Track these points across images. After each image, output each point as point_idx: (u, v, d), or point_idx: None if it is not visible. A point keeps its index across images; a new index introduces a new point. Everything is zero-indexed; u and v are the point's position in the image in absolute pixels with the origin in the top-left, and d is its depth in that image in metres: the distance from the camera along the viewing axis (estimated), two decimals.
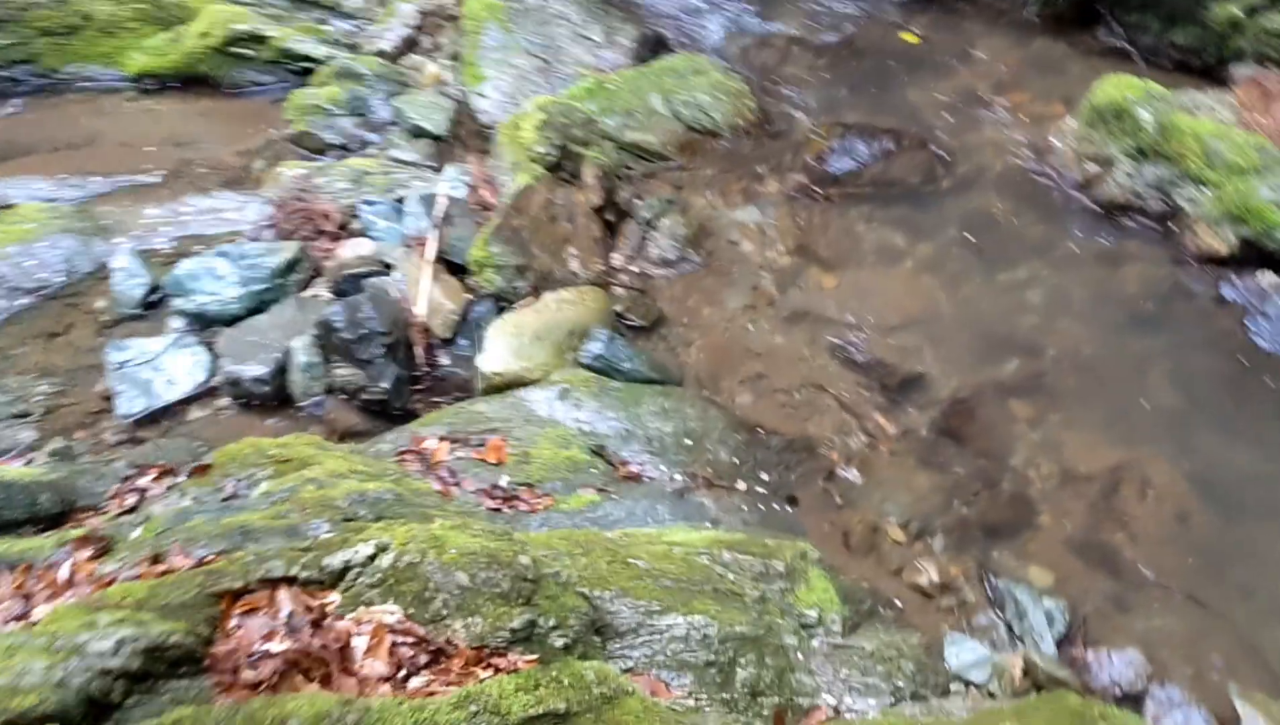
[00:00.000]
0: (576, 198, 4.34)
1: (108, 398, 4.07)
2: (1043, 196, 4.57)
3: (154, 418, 4.02)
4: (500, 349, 3.81)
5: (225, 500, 2.72)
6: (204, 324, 4.14)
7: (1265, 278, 3.96)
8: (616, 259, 4.38)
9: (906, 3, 5.56)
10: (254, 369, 3.94)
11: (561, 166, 4.33)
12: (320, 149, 5.04)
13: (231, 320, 4.13)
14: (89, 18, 5.51)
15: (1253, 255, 4.02)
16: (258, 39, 5.38)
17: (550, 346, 3.86)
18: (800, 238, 4.50)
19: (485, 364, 3.79)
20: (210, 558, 2.19)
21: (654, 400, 3.62)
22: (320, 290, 4.26)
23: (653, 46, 5.38)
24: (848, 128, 4.83)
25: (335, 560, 1.99)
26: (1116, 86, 4.24)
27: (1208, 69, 4.80)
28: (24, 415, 4.04)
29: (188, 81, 5.58)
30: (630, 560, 2.45)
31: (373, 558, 2.00)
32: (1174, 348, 4.02)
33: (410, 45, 5.50)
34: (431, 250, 4.14)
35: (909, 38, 5.28)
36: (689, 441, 3.53)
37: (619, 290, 4.28)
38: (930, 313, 4.24)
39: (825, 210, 4.58)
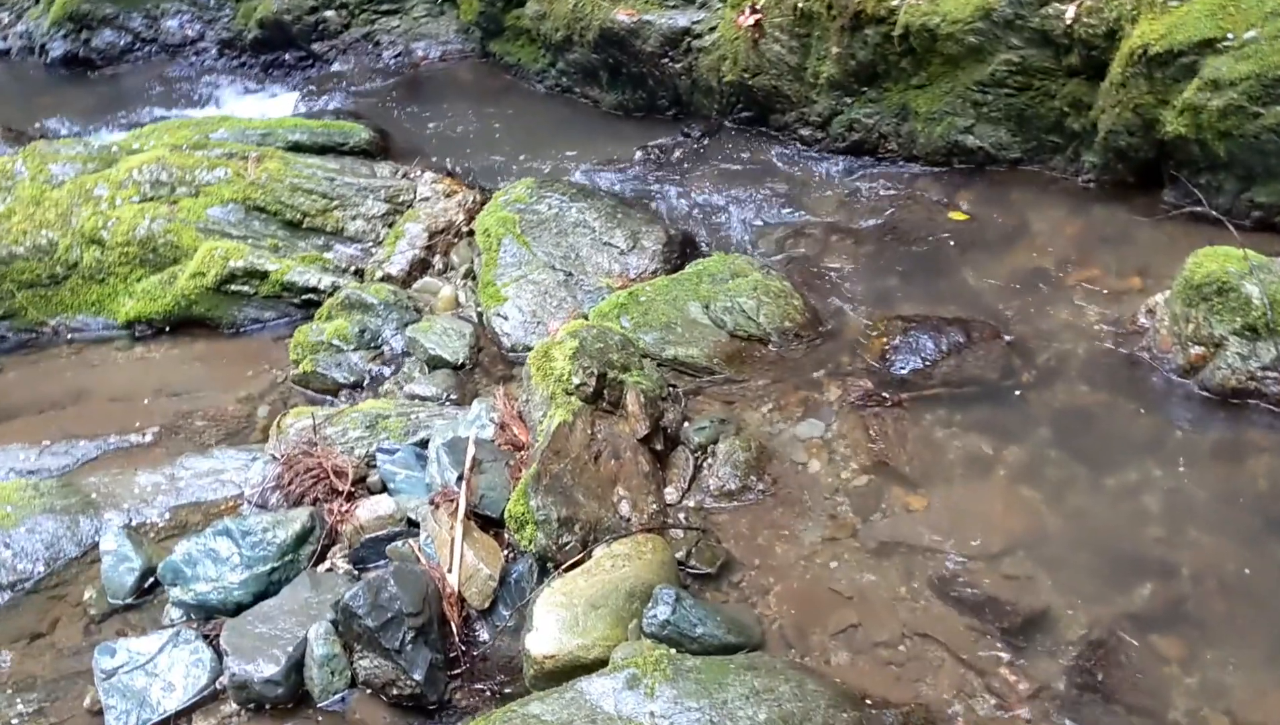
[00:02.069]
0: (620, 429, 3.83)
1: (97, 712, 3.48)
2: (1140, 385, 4.06)
3: None
4: (550, 625, 3.24)
5: None
6: (205, 615, 3.57)
7: None
8: (670, 495, 3.85)
9: (946, 177, 5.18)
10: (264, 668, 3.37)
11: (601, 396, 3.84)
12: (330, 389, 4.59)
13: (236, 609, 3.57)
14: (74, 266, 5.14)
15: None
16: (256, 274, 4.99)
17: (609, 615, 3.29)
18: (874, 452, 3.97)
19: (534, 645, 3.21)
20: None
21: (741, 679, 3.03)
22: (337, 561, 3.73)
23: (681, 249, 4.98)
24: (908, 321, 4.37)
25: None
26: (1214, 259, 3.79)
27: None
28: None
29: (183, 325, 5.19)
30: None
31: None
32: None
33: (422, 268, 5.11)
34: (462, 507, 3.61)
35: (957, 216, 4.87)
36: None
37: (677, 533, 3.72)
38: (1037, 532, 3.68)
39: (898, 418, 4.07)
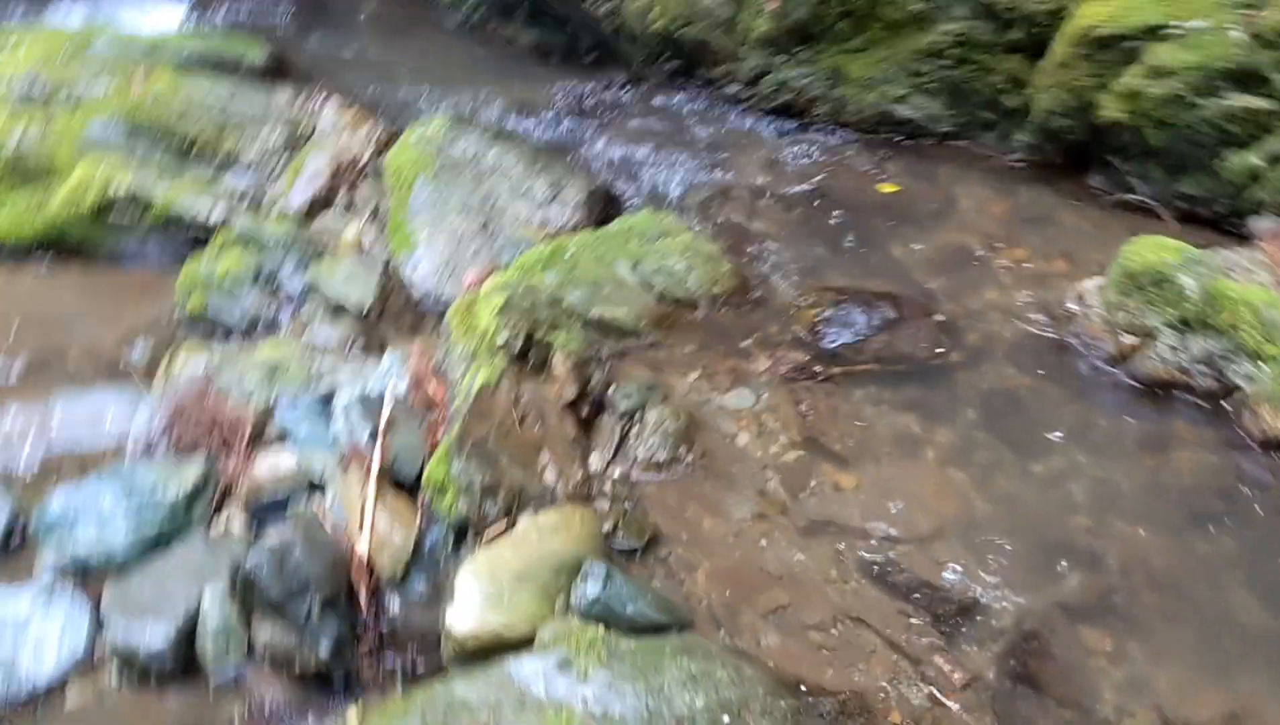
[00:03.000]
0: (545, 392, 3.62)
1: None
2: (1068, 370, 4.04)
3: (19, 705, 3.09)
4: (473, 599, 3.03)
5: None
6: (84, 574, 3.24)
7: None
8: (595, 463, 3.66)
9: (875, 146, 5.07)
10: (151, 636, 3.10)
11: (526, 356, 3.62)
12: (219, 330, 4.23)
13: (120, 568, 3.25)
14: None
15: None
16: (140, 201, 4.56)
17: (535, 590, 3.10)
18: (805, 427, 3.85)
19: (455, 621, 3.00)
20: None
21: (677, 663, 2.89)
22: (233, 520, 3.42)
23: (603, 202, 4.75)
24: (839, 293, 4.26)
25: None
26: (1153, 249, 3.76)
27: (1217, 220, 4.40)
28: None
29: (55, 248, 4.71)
30: None
31: None
32: (1251, 550, 3.48)
33: (324, 204, 4.77)
34: (375, 469, 3.35)
35: (886, 187, 4.77)
36: (727, 718, 2.79)
37: (603, 504, 3.54)
38: (966, 516, 3.62)
39: (829, 393, 3.96)
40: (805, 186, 4.92)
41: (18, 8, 6.65)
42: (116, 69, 5.00)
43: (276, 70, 5.59)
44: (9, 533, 3.48)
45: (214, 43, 5.50)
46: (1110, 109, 4.28)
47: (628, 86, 5.61)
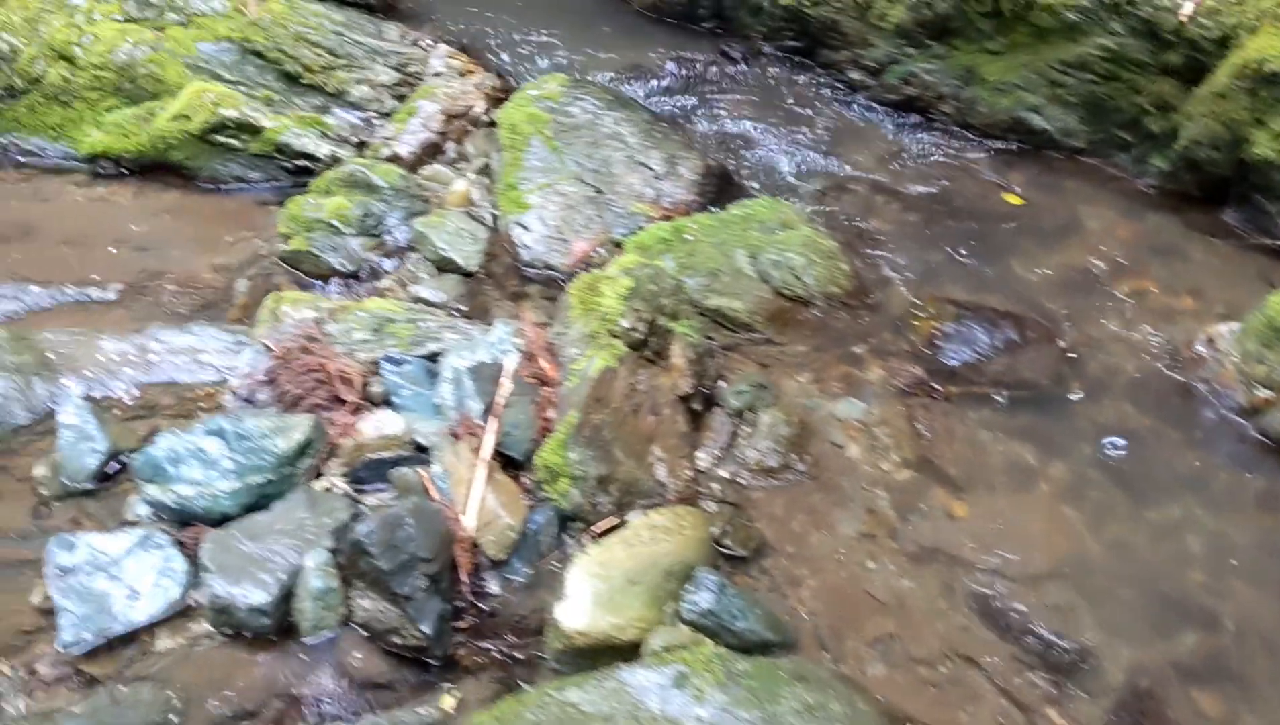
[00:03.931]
0: (661, 382, 3.51)
1: (48, 612, 3.08)
2: (1192, 416, 3.90)
3: (109, 646, 3.03)
4: (585, 598, 2.95)
5: None
6: (181, 520, 3.16)
7: None
8: (703, 460, 3.55)
9: (1000, 153, 4.89)
10: (252, 594, 3.02)
11: (646, 343, 3.50)
12: (321, 274, 4.14)
13: (220, 519, 3.17)
14: (36, 80, 4.52)
15: None
16: (249, 128, 4.44)
17: (646, 594, 3.01)
18: (919, 447, 3.74)
19: (566, 618, 2.91)
20: None
21: (793, 692, 2.80)
22: (335, 479, 3.34)
23: (718, 182, 4.60)
24: (960, 308, 4.12)
25: None
26: None
27: None
28: None
29: (153, 169, 4.60)
30: None
31: None
32: None
33: (432, 153, 4.63)
34: (489, 447, 3.25)
35: (1011, 199, 4.61)
36: None
37: (710, 504, 3.44)
38: (1079, 558, 3.52)
39: (945, 413, 3.84)
40: (925, 187, 4.76)
41: None
42: None
43: (385, 4, 5.41)
44: (104, 463, 3.39)
45: None
46: (1264, 146, 4.10)
47: (744, 60, 5.42)
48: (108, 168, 4.58)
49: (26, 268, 4.21)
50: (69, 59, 4.52)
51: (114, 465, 3.41)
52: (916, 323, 4.10)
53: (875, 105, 5.20)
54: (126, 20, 4.59)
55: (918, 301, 4.20)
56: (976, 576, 3.43)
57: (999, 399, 3.90)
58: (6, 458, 3.48)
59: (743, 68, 5.39)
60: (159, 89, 4.52)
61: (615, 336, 3.45)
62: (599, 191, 4.39)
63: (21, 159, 4.63)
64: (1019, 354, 3.98)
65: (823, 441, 3.73)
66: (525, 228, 4.27)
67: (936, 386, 3.89)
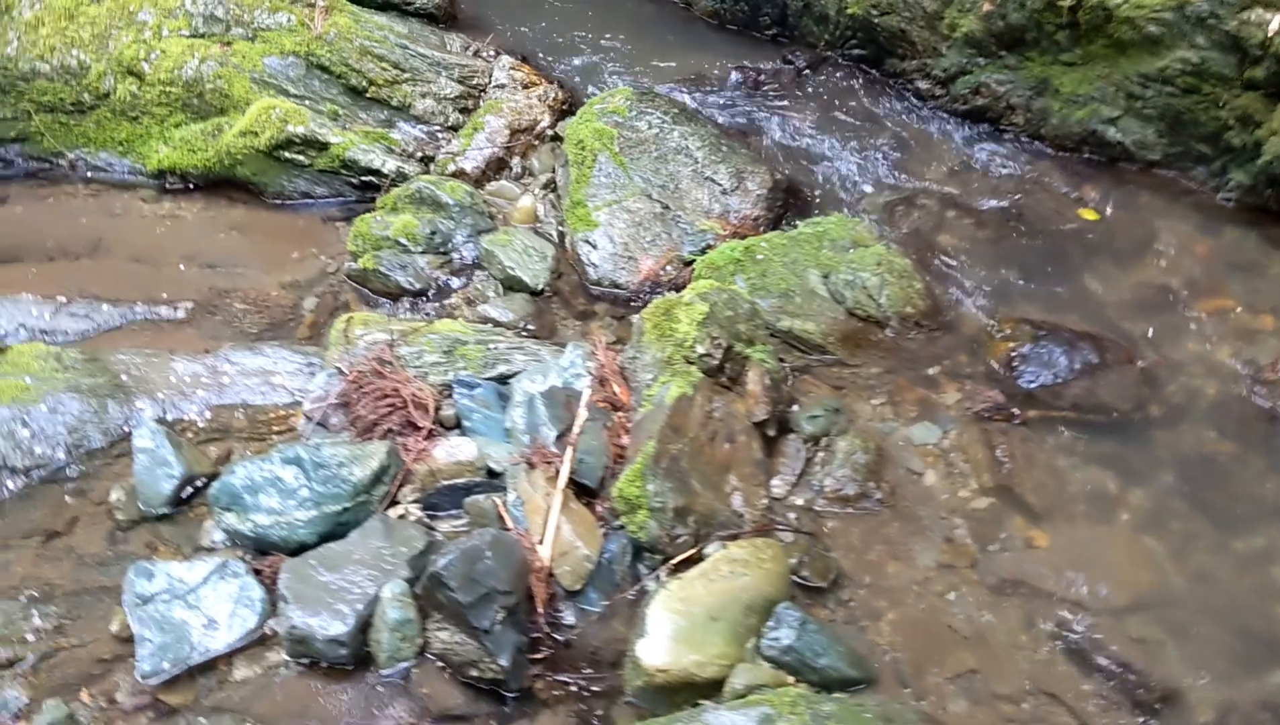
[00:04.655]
0: (736, 408, 3.47)
1: (126, 639, 3.08)
2: (1275, 440, 3.78)
3: (188, 675, 3.03)
4: (665, 633, 2.92)
5: None
6: (258, 548, 3.16)
7: None
8: (777, 488, 3.50)
9: (1072, 166, 4.79)
10: (330, 624, 3.02)
11: (722, 369, 3.46)
12: (389, 292, 4.14)
13: (298, 548, 3.17)
14: (104, 96, 4.54)
15: None
16: (315, 144, 4.43)
17: (727, 630, 2.98)
18: (997, 473, 3.67)
19: (647, 655, 2.89)
20: None
21: None
22: (409, 506, 3.33)
23: (785, 196, 4.54)
24: (1037, 328, 4.04)
25: None
26: None
27: None
28: (11, 663, 3.02)
29: (221, 184, 4.61)
30: None
31: None
32: None
33: (497, 168, 4.60)
34: (565, 476, 3.23)
35: (1087, 213, 4.51)
36: None
37: (787, 535, 3.39)
38: (1163, 590, 3.44)
39: (1023, 438, 3.77)
40: (998, 201, 4.67)
41: None
42: None
43: (446, 14, 5.39)
44: (180, 488, 3.40)
45: None
46: None
47: (808, 69, 5.34)
48: (175, 183, 4.60)
49: (97, 284, 4.24)
50: (137, 74, 4.53)
51: (189, 490, 3.41)
52: (992, 344, 4.03)
53: (944, 115, 5.11)
54: (194, 36, 4.60)
55: (993, 321, 4.13)
56: (1058, 609, 3.36)
57: (1078, 423, 3.81)
58: (83, 482, 3.50)
59: (807, 76, 5.31)
60: (226, 104, 4.53)
61: (690, 362, 3.41)
62: (666, 207, 4.35)
63: (90, 174, 4.66)
64: (1097, 376, 3.90)
65: (899, 468, 3.67)
66: (593, 246, 4.24)
67: (1014, 410, 3.81)
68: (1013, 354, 3.95)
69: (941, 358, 4.03)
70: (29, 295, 4.10)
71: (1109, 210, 4.65)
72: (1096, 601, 3.38)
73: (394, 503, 3.34)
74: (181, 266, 4.31)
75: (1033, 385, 3.87)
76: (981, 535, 3.53)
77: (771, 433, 3.59)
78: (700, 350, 3.41)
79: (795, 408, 3.73)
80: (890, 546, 3.48)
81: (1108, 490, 3.69)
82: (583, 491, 3.38)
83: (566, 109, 4.91)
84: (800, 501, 3.54)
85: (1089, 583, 3.42)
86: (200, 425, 3.62)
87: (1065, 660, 3.24)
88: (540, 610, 3.14)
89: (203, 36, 4.63)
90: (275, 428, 3.59)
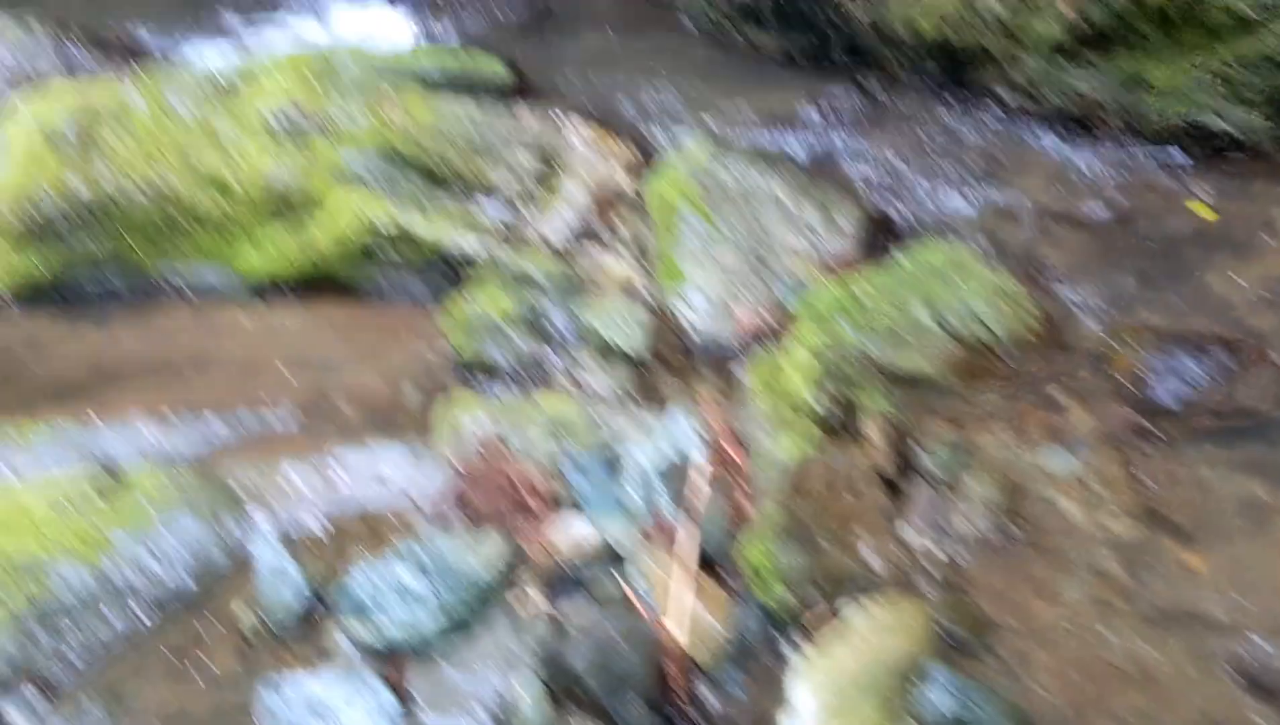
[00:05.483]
0: (857, 459, 3.34)
1: None
2: None
3: None
4: (812, 709, 2.79)
5: None
6: (387, 656, 3.11)
7: None
8: (910, 536, 3.35)
9: (1176, 161, 4.57)
10: None
11: (836, 419, 3.32)
12: (489, 373, 4.07)
13: (425, 650, 3.10)
14: (194, 211, 4.60)
15: None
16: (401, 234, 4.43)
17: (877, 699, 2.83)
18: (1140, 495, 3.47)
19: None
20: None
21: None
22: (532, 595, 3.24)
23: (878, 229, 4.41)
24: (1162, 336, 3.83)
25: None
26: None
27: None
28: None
29: (314, 285, 4.64)
30: None
31: None
32: None
33: (583, 236, 4.55)
34: (693, 553, 3.12)
35: (1202, 211, 4.29)
36: None
37: (924, 585, 3.23)
38: None
39: (1162, 454, 3.56)
40: (1100, 206, 4.48)
41: (236, 22, 6.63)
42: (365, 92, 4.87)
43: (515, 86, 5.39)
44: (303, 600, 3.37)
45: (455, 60, 5.34)
46: None
47: (885, 93, 5.22)
48: (270, 289, 4.64)
49: (201, 396, 4.28)
50: (223, 187, 4.60)
51: (312, 601, 3.38)
52: (1116, 358, 3.84)
53: (1032, 124, 4.95)
54: (275, 142, 4.65)
55: (1114, 334, 3.93)
56: (1228, 636, 3.14)
57: (1218, 432, 3.59)
58: (208, 602, 3.49)
59: (886, 103, 5.19)
60: (311, 205, 4.57)
61: (805, 417, 3.29)
62: (759, 256, 4.26)
63: (187, 290, 4.72)
64: (1234, 380, 3.68)
65: (1034, 500, 3.49)
66: (688, 303, 4.16)
67: (1148, 426, 3.61)
68: (1139, 366, 3.75)
69: (1064, 378, 3.85)
70: (140, 417, 4.15)
71: (1221, 203, 4.42)
72: (1268, 623, 3.15)
73: (517, 593, 3.26)
74: (284, 370, 4.33)
75: (1164, 397, 3.67)
76: (1132, 564, 3.34)
77: (897, 480, 3.44)
78: (814, 404, 3.29)
79: (918, 450, 3.58)
80: (1036, 586, 3.30)
81: (1260, 500, 3.47)
82: (708, 563, 3.27)
83: (645, 167, 4.85)
84: (935, 548, 3.38)
85: (1257, 604, 3.21)
86: (318, 533, 3.61)
87: (1244, 691, 3.02)
88: (678, 692, 3.03)
89: (283, 142, 4.67)
90: (391, 527, 3.55)
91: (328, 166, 4.63)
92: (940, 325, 3.84)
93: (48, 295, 4.66)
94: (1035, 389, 3.83)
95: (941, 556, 3.35)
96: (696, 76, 5.57)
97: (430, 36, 6.23)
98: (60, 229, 4.56)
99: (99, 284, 4.69)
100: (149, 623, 3.40)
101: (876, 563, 3.22)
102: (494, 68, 5.31)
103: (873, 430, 3.39)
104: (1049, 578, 3.34)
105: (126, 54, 6.19)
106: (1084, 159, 4.72)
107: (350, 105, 4.79)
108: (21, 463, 3.92)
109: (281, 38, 6.42)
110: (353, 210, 4.48)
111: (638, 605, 3.13)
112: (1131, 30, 4.38)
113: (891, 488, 3.46)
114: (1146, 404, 3.70)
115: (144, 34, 6.61)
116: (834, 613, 3.07)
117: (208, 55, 6.03)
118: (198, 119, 4.73)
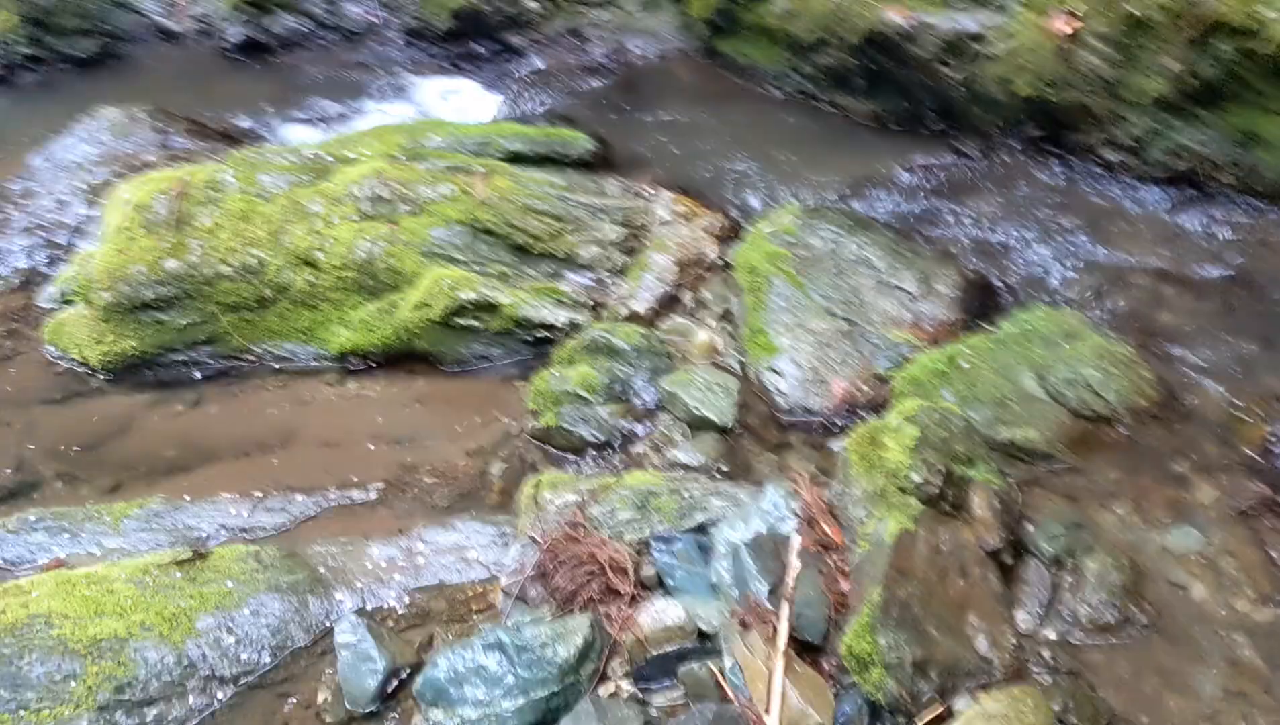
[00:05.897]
0: (965, 537, 3.12)
1: None
2: None
3: None
4: None
5: None
6: None
7: None
8: (1024, 622, 3.12)
9: None
10: None
11: (944, 496, 3.12)
12: (574, 448, 3.98)
13: None
14: (284, 289, 4.59)
15: None
16: (486, 307, 4.38)
17: None
18: (1275, 576, 3.18)
19: None
20: None
21: None
22: (620, 681, 3.08)
23: (980, 295, 4.21)
24: None
25: None
26: None
27: None
28: None
29: (400, 359, 4.59)
30: None
31: None
32: None
33: (670, 305, 4.45)
34: (784, 635, 2.93)
35: None
36: None
37: (1043, 676, 2.99)
38: None
39: None
40: (1218, 268, 4.24)
41: (328, 105, 6.75)
42: (453, 168, 4.86)
43: (600, 158, 5.35)
44: (385, 682, 3.25)
45: (541, 134, 5.32)
46: None
47: (982, 157, 5.05)
48: (357, 364, 4.61)
49: (290, 475, 4.22)
50: (312, 263, 4.60)
51: (394, 683, 3.26)
52: (1243, 428, 3.58)
53: (1138, 184, 4.74)
54: (363, 218, 4.65)
55: (1239, 403, 3.68)
56: None
57: None
58: (290, 684, 3.39)
59: (982, 165, 5.02)
60: (398, 280, 4.54)
61: (906, 493, 3.10)
62: (852, 323, 4.10)
63: (276, 365, 4.71)
64: None
65: (1160, 583, 3.24)
66: (778, 373, 4.00)
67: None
68: (1269, 436, 3.49)
69: (1187, 451, 3.60)
70: (226, 494, 4.11)
71: None
72: None
73: (603, 679, 3.10)
74: (370, 446, 4.26)
75: None
76: (1270, 651, 3.06)
77: (1008, 560, 3.23)
78: (916, 478, 3.10)
79: (1030, 527, 3.35)
80: (1165, 677, 3.04)
81: None
82: (805, 648, 3.08)
83: (733, 235, 4.76)
84: (1053, 636, 3.14)
85: None
86: (400, 612, 3.50)
87: None
88: None
89: (371, 218, 4.68)
90: (474, 606, 3.43)
91: (416, 242, 4.61)
92: (1049, 393, 3.63)
93: (139, 371, 4.68)
94: (1156, 462, 3.59)
95: (1060, 643, 3.10)
96: (784, 144, 5.48)
97: (516, 111, 6.25)
98: (153, 306, 4.59)
99: (189, 360, 4.70)
100: (229, 702, 3.30)
101: (989, 651, 2.99)
102: (579, 140, 5.27)
103: (981, 506, 3.18)
104: (1179, 667, 3.08)
105: (224, 138, 6.32)
106: (1194, 218, 4.49)
107: (438, 181, 4.77)
108: (111, 544, 3.90)
109: (371, 118, 6.51)
110: (439, 285, 4.43)
111: (730, 694, 2.94)
112: (1243, 84, 4.17)
113: (1002, 568, 3.23)
114: (1278, 476, 3.43)
115: (241, 119, 6.75)
116: (945, 706, 2.85)
117: (300, 137, 6.12)
118: (289, 198, 4.75)
